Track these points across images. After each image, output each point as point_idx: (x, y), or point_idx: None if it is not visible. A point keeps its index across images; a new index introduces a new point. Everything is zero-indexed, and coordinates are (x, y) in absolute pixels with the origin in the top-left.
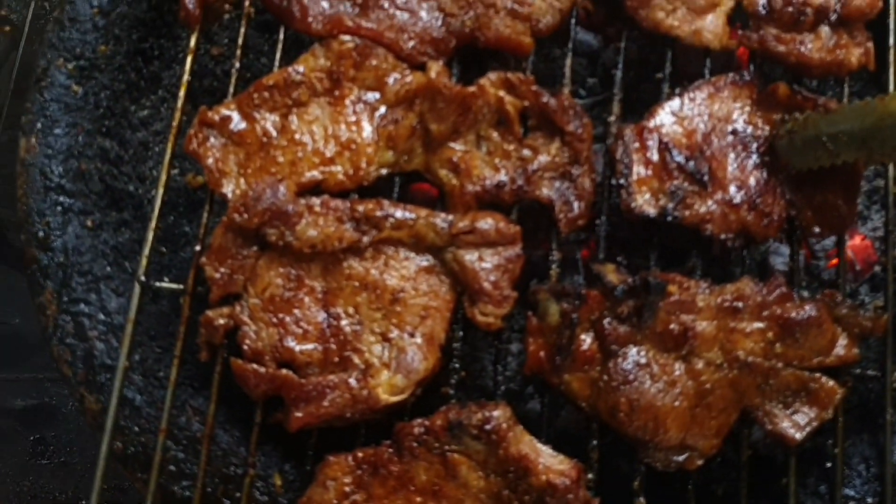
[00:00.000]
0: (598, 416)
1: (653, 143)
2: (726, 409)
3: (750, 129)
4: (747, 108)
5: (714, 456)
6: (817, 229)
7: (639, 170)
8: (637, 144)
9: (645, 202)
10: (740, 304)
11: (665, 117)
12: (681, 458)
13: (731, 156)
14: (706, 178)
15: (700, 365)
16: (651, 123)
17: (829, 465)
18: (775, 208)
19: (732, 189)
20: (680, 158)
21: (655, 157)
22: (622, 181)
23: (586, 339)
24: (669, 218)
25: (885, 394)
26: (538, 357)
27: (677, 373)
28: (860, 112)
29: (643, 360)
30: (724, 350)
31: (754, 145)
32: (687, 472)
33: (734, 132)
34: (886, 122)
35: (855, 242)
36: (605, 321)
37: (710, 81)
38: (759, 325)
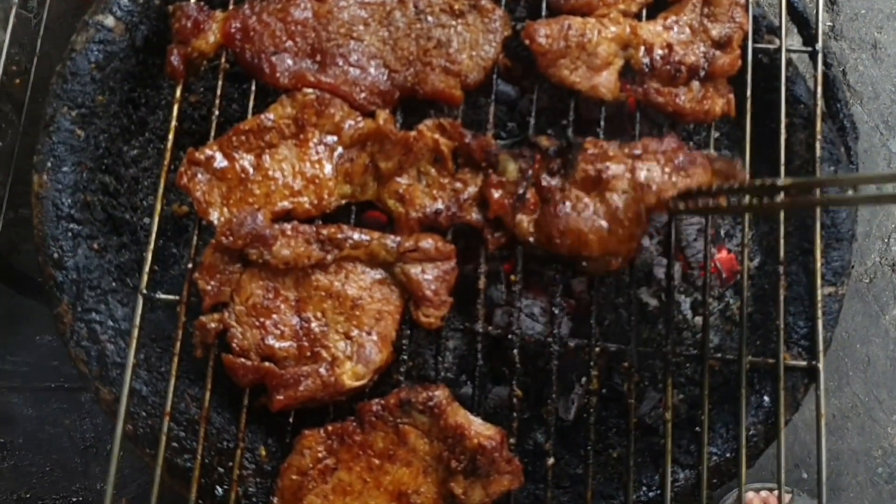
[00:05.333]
0: (542, 245)
1: None
2: (634, 219)
3: None
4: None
5: (599, 409)
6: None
7: None
8: None
9: None
10: (640, 151)
11: None
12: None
13: None
14: None
15: (613, 197)
16: None
17: (697, 429)
18: None
19: None
20: None
21: None
22: None
23: (533, 191)
24: None
25: (741, 373)
26: (502, 203)
27: (596, 205)
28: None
29: (571, 200)
30: (630, 181)
31: None
32: (588, 422)
33: None
34: None
35: (722, 255)
36: (542, 176)
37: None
38: (656, 164)
